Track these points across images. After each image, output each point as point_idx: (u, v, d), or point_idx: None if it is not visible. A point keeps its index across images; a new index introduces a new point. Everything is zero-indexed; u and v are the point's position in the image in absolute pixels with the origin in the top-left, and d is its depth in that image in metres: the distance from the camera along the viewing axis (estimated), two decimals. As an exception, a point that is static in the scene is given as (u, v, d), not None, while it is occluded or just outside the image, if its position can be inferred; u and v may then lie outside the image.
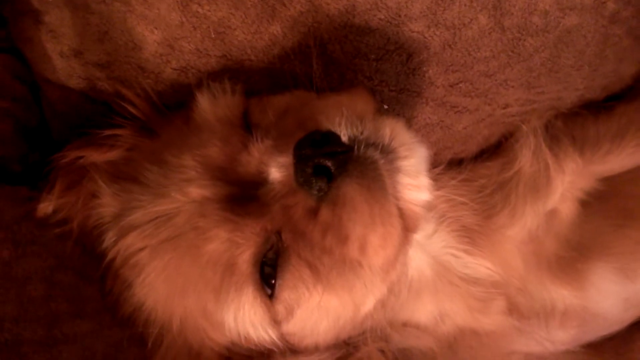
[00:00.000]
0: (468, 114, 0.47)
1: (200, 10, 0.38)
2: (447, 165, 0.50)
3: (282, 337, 0.39)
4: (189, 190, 0.35)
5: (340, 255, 0.34)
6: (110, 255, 0.38)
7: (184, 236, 0.35)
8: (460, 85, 0.43)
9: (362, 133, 0.33)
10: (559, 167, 0.50)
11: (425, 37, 0.39)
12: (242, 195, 0.35)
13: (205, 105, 0.39)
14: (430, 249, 0.48)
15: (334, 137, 0.32)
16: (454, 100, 0.45)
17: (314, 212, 0.33)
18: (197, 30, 0.39)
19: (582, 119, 0.52)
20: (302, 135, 0.32)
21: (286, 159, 0.33)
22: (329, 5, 0.37)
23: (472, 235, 0.49)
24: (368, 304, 0.40)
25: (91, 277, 0.40)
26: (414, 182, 0.34)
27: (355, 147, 0.32)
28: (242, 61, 0.40)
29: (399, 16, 0.38)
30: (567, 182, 0.50)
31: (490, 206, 0.49)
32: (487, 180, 0.50)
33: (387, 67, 0.40)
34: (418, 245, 0.46)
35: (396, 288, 0.44)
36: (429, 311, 0.49)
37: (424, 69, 0.41)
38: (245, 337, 0.38)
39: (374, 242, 0.33)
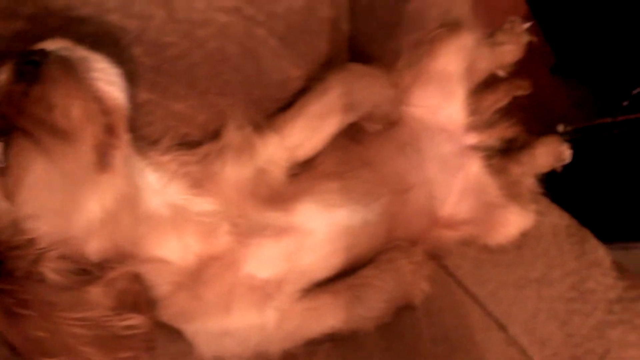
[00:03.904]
0: (181, 97, 0.66)
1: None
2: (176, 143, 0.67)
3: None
4: None
5: (52, 123, 0.48)
6: None
7: None
8: (164, 66, 0.63)
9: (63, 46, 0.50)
10: (262, 140, 0.70)
11: (123, 25, 0.59)
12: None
13: None
14: (166, 196, 0.62)
15: (42, 49, 0.49)
16: (164, 82, 0.64)
17: (28, 92, 0.47)
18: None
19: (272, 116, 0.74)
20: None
21: (9, 66, 0.48)
22: (54, 4, 0.57)
23: (199, 182, 0.64)
24: (95, 196, 0.52)
25: None
26: (108, 78, 0.51)
27: (57, 51, 0.49)
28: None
29: (100, 10, 0.58)
30: (270, 152, 0.70)
31: (210, 161, 0.66)
32: (207, 149, 0.67)
33: (105, 50, 0.59)
34: (154, 192, 0.61)
35: (128, 205, 0.56)
36: (173, 247, 0.61)
37: (131, 50, 0.61)
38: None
39: (76, 112, 0.48)
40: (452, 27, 0.88)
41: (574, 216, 1.03)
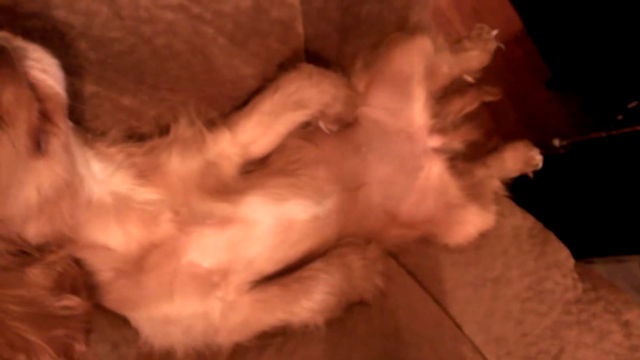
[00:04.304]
0: (130, 92, 0.69)
1: None
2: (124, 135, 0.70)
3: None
4: None
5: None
6: None
7: None
8: (110, 60, 0.66)
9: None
10: (213, 135, 0.72)
11: (69, 21, 0.62)
12: None
13: None
14: (110, 185, 0.64)
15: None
16: (111, 76, 0.67)
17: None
18: None
19: (228, 114, 0.77)
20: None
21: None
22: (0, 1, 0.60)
23: (144, 173, 0.66)
24: (31, 181, 0.54)
25: None
26: (43, 66, 0.53)
27: (-7, 41, 0.52)
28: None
29: (46, 6, 0.61)
30: (222, 147, 0.72)
31: (157, 153, 0.68)
32: (155, 142, 0.70)
33: (51, 45, 0.62)
34: (98, 182, 0.63)
35: (68, 192, 0.58)
36: (115, 234, 0.63)
37: (76, 45, 0.64)
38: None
39: (8, 97, 0.51)
40: (408, 31, 0.90)
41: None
